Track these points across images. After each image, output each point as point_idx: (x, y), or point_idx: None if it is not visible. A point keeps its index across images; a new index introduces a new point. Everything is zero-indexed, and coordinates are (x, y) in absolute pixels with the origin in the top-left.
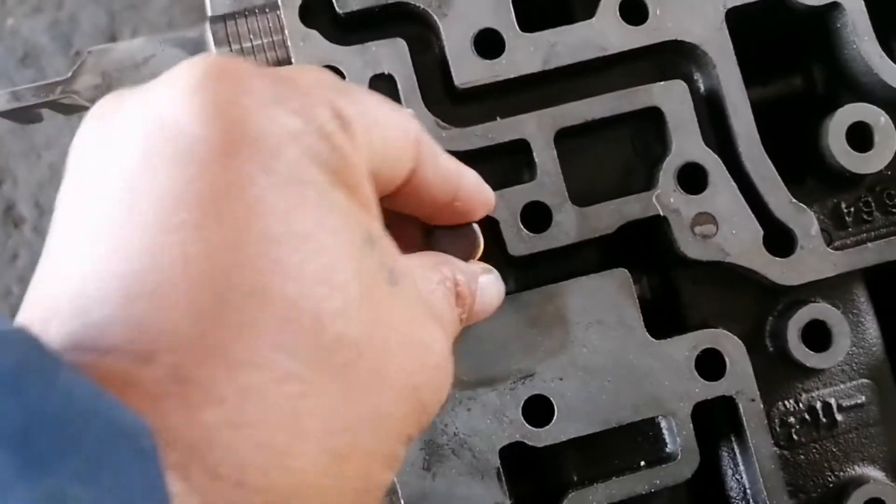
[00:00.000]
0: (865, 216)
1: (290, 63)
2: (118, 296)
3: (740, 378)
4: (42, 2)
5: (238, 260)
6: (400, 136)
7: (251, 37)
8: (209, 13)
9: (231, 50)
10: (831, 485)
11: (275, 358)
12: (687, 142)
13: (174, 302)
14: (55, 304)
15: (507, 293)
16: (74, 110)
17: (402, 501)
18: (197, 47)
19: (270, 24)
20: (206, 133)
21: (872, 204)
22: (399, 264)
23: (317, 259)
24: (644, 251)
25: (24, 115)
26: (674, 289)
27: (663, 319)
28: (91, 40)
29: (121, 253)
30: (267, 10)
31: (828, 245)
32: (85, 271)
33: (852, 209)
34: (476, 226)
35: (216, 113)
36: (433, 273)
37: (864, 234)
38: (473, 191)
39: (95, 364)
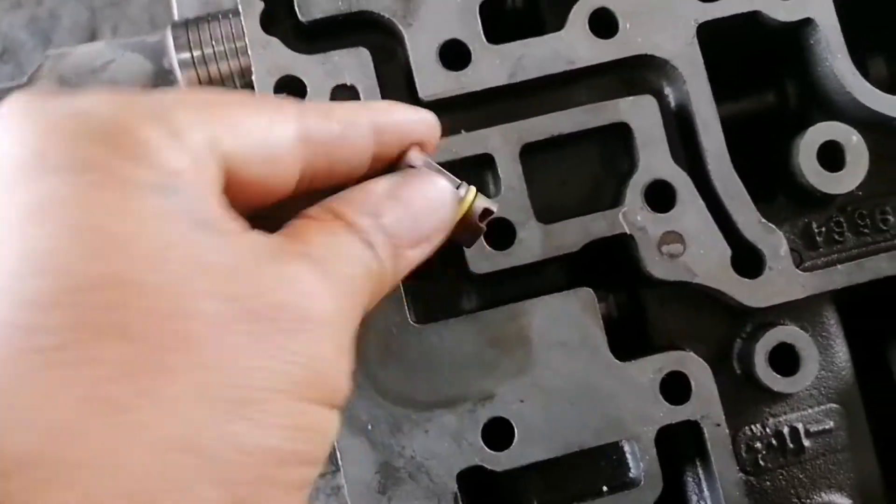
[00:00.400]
0: (837, 237)
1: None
2: None
3: (706, 402)
4: None
5: None
6: (266, 141)
7: (213, 43)
8: (175, 16)
9: (192, 55)
10: None
11: None
12: (655, 158)
13: None
14: None
15: (469, 311)
16: None
17: None
18: (156, 53)
19: (234, 31)
20: None
21: (844, 224)
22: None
23: None
24: (610, 269)
25: None
26: (640, 307)
27: (629, 338)
28: (71, 37)
29: None
30: (231, 15)
31: (798, 266)
32: None
33: (823, 229)
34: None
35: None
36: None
37: (836, 255)
38: (391, 119)
39: None
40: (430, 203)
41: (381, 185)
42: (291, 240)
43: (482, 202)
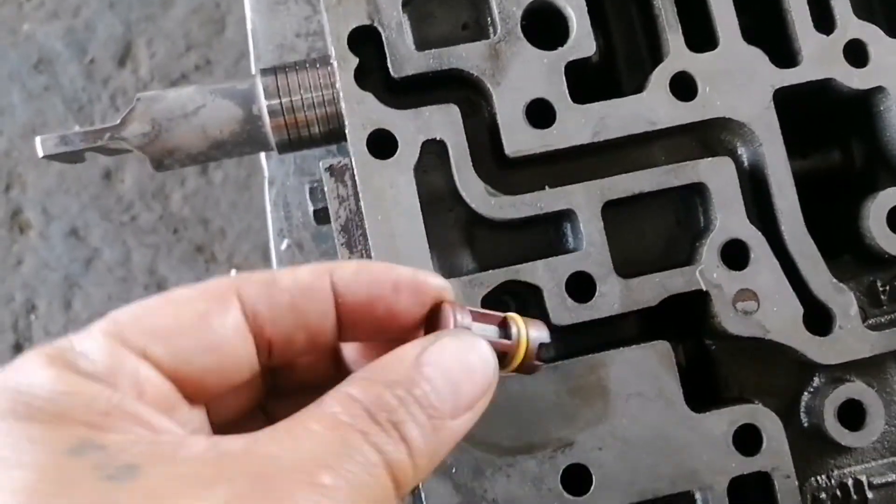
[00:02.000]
0: None
1: (340, 118)
2: None
3: (777, 454)
4: (59, 8)
5: None
6: (200, 336)
7: (301, 91)
8: (252, 61)
9: (281, 102)
10: None
11: None
12: (731, 219)
13: None
14: None
15: (550, 361)
16: (118, 153)
17: None
18: (246, 99)
19: (321, 79)
20: None
21: None
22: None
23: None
24: (683, 320)
25: (69, 157)
26: (711, 359)
27: (699, 387)
28: (106, 49)
29: None
30: (318, 64)
31: (863, 321)
32: None
33: (888, 287)
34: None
35: None
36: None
37: None
38: (376, 276)
39: None
40: (468, 369)
41: (413, 351)
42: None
43: (535, 333)
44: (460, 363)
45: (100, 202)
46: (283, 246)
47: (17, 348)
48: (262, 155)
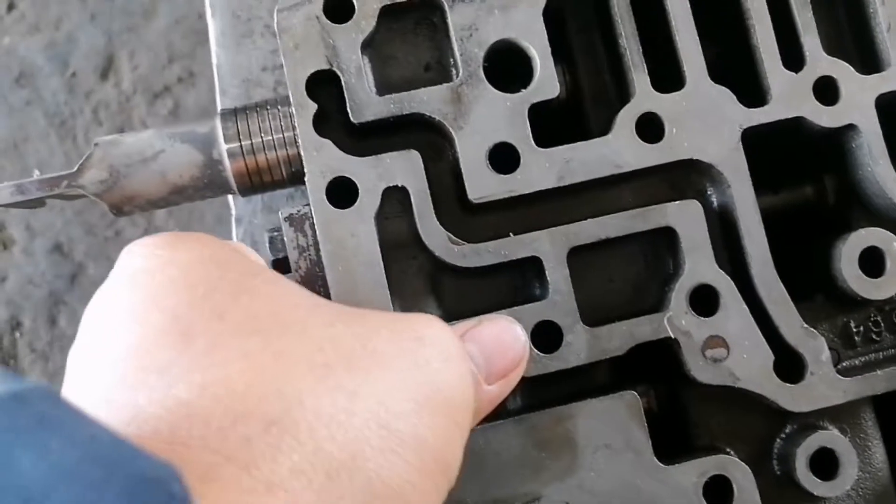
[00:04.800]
0: (875, 336)
1: (300, 161)
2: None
3: None
4: (40, 21)
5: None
6: None
7: (262, 133)
8: (218, 97)
9: (241, 145)
10: None
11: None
12: (700, 263)
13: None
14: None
15: (515, 412)
16: (76, 198)
17: None
18: (206, 143)
19: (282, 121)
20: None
21: (882, 324)
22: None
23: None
24: (652, 367)
25: (28, 204)
26: (681, 406)
27: (671, 434)
28: (87, 62)
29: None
30: (279, 105)
31: (836, 364)
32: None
33: (861, 328)
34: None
35: None
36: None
37: (873, 355)
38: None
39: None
40: (502, 344)
41: (460, 330)
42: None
43: None
44: (495, 339)
45: (84, 217)
46: None
47: (3, 365)
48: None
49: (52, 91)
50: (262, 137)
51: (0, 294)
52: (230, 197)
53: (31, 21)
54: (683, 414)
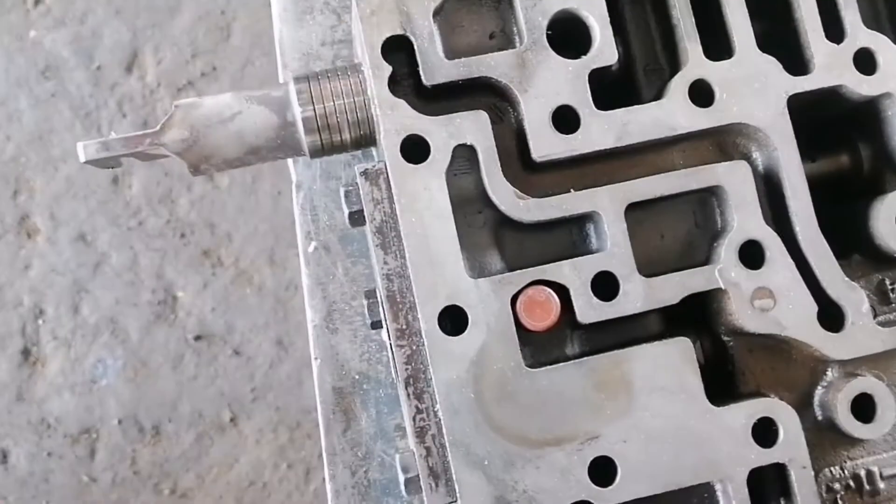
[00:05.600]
0: None
1: (370, 124)
2: None
3: (793, 446)
4: (65, 15)
5: None
6: None
7: (333, 98)
8: (280, 70)
9: (314, 108)
10: None
11: None
12: (748, 220)
13: None
14: None
15: (574, 356)
16: (156, 158)
17: None
18: (281, 106)
19: (353, 86)
20: None
21: None
22: None
23: None
24: (701, 317)
25: (108, 162)
26: (728, 355)
27: (718, 382)
28: (112, 55)
29: None
30: (348, 71)
31: (873, 318)
32: None
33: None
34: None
35: None
36: None
37: None
38: None
39: None
40: None
41: None
42: None
43: None
44: None
45: (107, 207)
46: (311, 248)
47: (25, 353)
48: (290, 160)
49: (77, 84)
50: (333, 101)
51: (24, 282)
52: (290, 164)
53: (56, 15)
54: (730, 363)
